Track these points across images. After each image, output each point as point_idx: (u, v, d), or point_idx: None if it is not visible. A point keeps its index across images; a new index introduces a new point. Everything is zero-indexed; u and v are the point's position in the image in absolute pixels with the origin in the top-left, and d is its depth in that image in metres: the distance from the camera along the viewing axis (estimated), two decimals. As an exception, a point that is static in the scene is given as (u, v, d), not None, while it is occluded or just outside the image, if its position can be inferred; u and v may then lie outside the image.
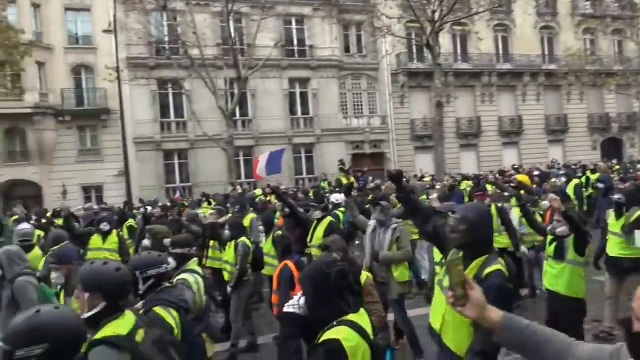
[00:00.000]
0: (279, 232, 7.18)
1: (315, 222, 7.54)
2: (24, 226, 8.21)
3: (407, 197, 3.83)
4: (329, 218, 7.68)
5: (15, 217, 13.82)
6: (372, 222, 6.37)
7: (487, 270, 2.91)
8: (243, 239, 7.07)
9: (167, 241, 5.49)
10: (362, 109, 30.73)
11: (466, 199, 11.10)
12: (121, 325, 2.50)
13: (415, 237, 8.84)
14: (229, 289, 6.99)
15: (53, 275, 4.31)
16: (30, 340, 1.83)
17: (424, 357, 5.97)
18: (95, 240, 8.60)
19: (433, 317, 3.22)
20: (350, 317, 2.29)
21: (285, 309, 2.37)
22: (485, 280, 2.83)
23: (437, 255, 5.15)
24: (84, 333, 2.04)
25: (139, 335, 2.52)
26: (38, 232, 9.84)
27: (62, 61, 25.20)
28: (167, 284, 3.60)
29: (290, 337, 2.33)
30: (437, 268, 5.36)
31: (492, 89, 32.89)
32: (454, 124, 31.81)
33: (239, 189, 16.28)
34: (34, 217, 13.65)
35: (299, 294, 2.40)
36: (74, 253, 4.44)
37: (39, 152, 24.66)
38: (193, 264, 4.67)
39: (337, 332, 2.21)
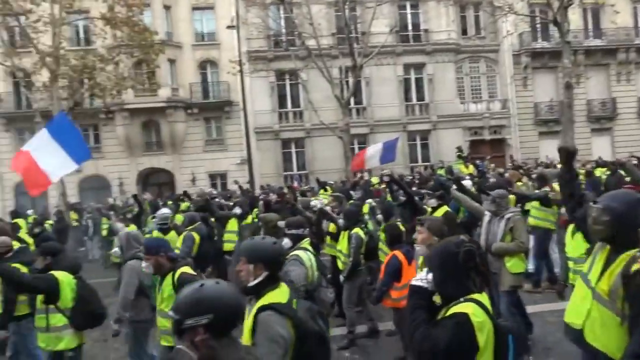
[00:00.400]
0: (392, 222, 7.13)
1: (431, 210, 7.32)
2: (164, 211, 9.04)
3: (572, 180, 3.63)
4: (445, 207, 7.41)
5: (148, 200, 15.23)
6: (487, 213, 6.12)
7: (637, 266, 2.65)
8: (357, 230, 7.04)
9: (281, 223, 5.76)
10: (480, 93, 29.43)
11: (602, 188, 10.21)
12: (280, 294, 2.81)
13: (550, 227, 8.30)
14: (341, 278, 7.09)
15: (143, 264, 4.64)
16: (197, 311, 1.99)
17: (531, 356, 5.65)
18: (232, 223, 9.23)
19: (572, 313, 3.01)
20: (476, 296, 2.37)
21: (414, 282, 2.49)
22: (634, 277, 2.59)
23: (574, 250, 4.80)
24: (243, 307, 2.20)
25: (294, 304, 2.81)
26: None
27: (190, 57, 27.08)
28: None
29: (418, 308, 2.42)
30: (572, 264, 5.00)
31: (630, 66, 29.78)
32: (584, 106, 29.31)
33: (366, 176, 16.43)
34: (160, 203, 14.94)
35: (426, 269, 2.51)
36: (162, 244, 4.70)
37: (171, 143, 26.83)
38: (306, 243, 4.98)
39: (465, 307, 2.30)
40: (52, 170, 7.82)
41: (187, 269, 4.47)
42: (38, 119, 19.97)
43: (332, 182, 16.70)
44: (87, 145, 23.35)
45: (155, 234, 8.58)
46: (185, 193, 16.13)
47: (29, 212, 16.92)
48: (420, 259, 4.44)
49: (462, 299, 2.34)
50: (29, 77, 19.99)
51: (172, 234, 8.46)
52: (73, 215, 18.01)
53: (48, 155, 7.78)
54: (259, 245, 2.95)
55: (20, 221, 12.62)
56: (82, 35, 25.85)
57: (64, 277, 4.78)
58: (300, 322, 2.69)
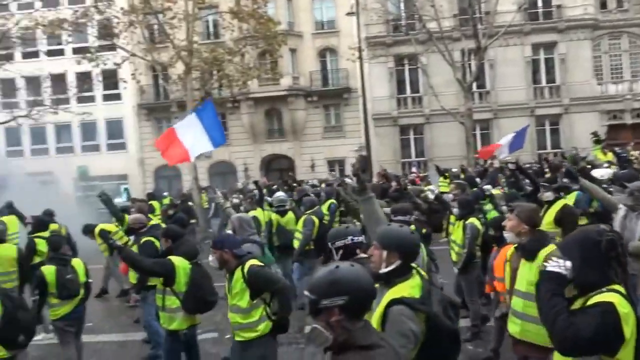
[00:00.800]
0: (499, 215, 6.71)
1: (546, 205, 6.61)
2: (280, 194, 9.53)
3: None
4: (562, 201, 6.69)
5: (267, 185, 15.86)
6: (623, 207, 5.48)
7: None
8: (472, 220, 6.65)
9: (388, 210, 5.74)
10: (622, 72, 26.68)
11: None
12: (413, 286, 2.73)
13: None
14: (455, 270, 6.79)
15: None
16: (333, 292, 2.02)
17: None
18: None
19: None
20: (617, 287, 2.31)
21: (550, 268, 2.38)
22: None
23: None
24: (375, 291, 2.19)
25: (428, 295, 2.72)
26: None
27: (310, 46, 27.74)
28: (364, 255, 3.65)
29: (557, 295, 2.34)
30: None
31: None
32: None
33: (496, 164, 15.76)
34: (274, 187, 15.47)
35: (560, 255, 2.43)
36: (227, 240, 4.67)
37: (292, 130, 27.78)
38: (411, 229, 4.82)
39: (610, 297, 2.25)
40: (192, 148, 8.59)
41: (255, 262, 4.48)
42: (174, 109, 21.72)
43: (455, 170, 16.15)
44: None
45: (261, 214, 9.04)
46: (286, 181, 16.58)
47: (165, 194, 18.42)
48: (510, 250, 4.15)
49: (604, 289, 2.30)
50: (166, 70, 21.76)
51: (290, 215, 8.82)
52: (204, 198, 19.35)
53: (191, 135, 8.60)
54: (395, 233, 2.87)
55: (155, 203, 13.76)
56: (211, 29, 27.56)
57: (179, 263, 5.09)
58: (434, 316, 2.62)
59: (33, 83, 26.39)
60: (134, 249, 6.58)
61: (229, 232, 6.33)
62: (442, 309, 2.70)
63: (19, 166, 22.07)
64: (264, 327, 4.38)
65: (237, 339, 4.51)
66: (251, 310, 4.39)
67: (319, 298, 2.03)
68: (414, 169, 23.54)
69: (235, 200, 13.01)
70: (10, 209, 9.90)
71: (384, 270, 2.76)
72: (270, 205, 9.89)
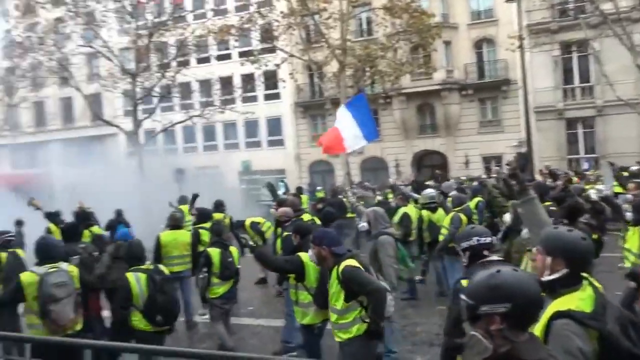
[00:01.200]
0: None
1: None
2: (429, 191, 9.43)
3: None
4: None
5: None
6: None
7: None
8: None
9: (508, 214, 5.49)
10: None
11: None
12: (583, 299, 2.42)
13: None
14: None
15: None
16: (493, 297, 1.88)
17: None
18: None
19: None
20: None
21: None
22: None
23: None
24: (542, 300, 1.99)
25: (603, 310, 2.39)
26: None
27: (465, 38, 26.68)
28: (495, 258, 3.42)
29: None
30: None
31: None
32: None
33: None
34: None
35: None
36: (327, 236, 4.51)
37: (445, 125, 27.01)
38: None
39: None
40: (347, 140, 8.84)
41: (351, 262, 4.32)
42: (328, 106, 22.48)
43: (635, 167, 14.31)
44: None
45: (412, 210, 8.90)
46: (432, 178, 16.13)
47: (318, 188, 19.08)
48: None
49: None
50: (321, 69, 22.56)
51: (441, 211, 8.65)
52: (355, 193, 19.71)
53: (346, 127, 8.82)
54: (563, 238, 2.53)
55: (304, 197, 14.22)
56: (364, 26, 27.88)
57: (308, 259, 5.10)
58: (608, 335, 2.27)
59: (205, 85, 29.19)
60: (279, 241, 7.00)
61: (364, 224, 6.43)
62: (620, 327, 2.33)
63: (189, 161, 24.71)
64: (356, 329, 4.31)
65: (336, 338, 4.52)
66: (346, 312, 4.32)
67: (477, 304, 1.88)
68: (585, 165, 21.42)
69: (379, 197, 13.07)
70: (183, 201, 11.20)
71: (547, 278, 2.47)
72: (416, 201, 9.79)
